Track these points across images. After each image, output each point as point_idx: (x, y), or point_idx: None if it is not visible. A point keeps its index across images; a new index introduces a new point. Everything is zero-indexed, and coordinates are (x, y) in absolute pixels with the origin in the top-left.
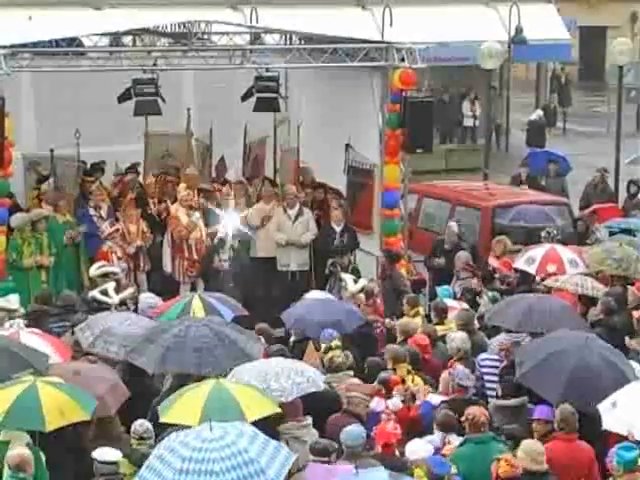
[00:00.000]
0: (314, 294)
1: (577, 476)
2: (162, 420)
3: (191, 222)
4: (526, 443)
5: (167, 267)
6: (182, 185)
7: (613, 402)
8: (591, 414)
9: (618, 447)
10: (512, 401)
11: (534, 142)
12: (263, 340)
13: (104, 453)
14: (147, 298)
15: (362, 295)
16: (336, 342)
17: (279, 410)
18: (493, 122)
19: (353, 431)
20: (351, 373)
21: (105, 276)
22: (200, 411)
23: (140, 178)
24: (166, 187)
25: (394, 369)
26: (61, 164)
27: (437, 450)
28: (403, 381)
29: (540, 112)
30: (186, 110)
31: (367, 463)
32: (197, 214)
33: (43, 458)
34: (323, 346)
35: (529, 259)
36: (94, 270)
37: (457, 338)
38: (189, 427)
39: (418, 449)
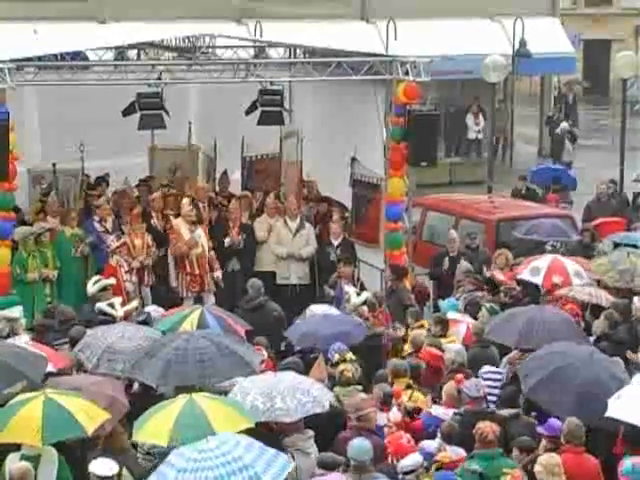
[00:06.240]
0: (315, 308)
1: None
2: (134, 439)
3: (192, 238)
4: (543, 457)
5: (172, 281)
6: (186, 200)
7: (618, 395)
8: (602, 429)
9: (634, 465)
10: (504, 411)
11: (557, 155)
12: (263, 351)
13: (101, 467)
14: (153, 312)
15: (365, 307)
16: (350, 355)
17: (252, 425)
18: (501, 135)
19: (359, 445)
20: (360, 387)
21: (104, 290)
22: (170, 429)
23: None
24: (169, 201)
25: (392, 383)
26: (63, 178)
27: (430, 456)
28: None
29: (566, 125)
30: (188, 123)
31: (374, 477)
32: (199, 230)
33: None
34: (336, 357)
35: (534, 269)
36: (91, 288)
37: (452, 350)
38: None
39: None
